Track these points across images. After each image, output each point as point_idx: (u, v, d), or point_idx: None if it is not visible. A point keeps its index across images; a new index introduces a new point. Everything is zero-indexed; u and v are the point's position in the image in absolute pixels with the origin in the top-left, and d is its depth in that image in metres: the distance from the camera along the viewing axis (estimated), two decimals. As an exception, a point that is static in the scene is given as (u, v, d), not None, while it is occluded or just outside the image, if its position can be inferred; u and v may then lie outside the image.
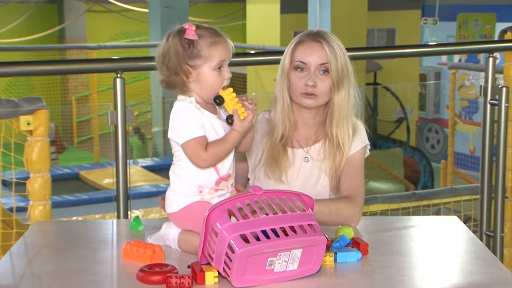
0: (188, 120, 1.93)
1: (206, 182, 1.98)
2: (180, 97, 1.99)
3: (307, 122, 2.36)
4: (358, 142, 2.33)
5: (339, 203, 2.22)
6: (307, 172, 2.33)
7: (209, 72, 1.95)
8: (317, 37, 2.28)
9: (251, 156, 2.38)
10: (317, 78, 2.26)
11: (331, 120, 2.31)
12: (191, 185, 1.97)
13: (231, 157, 2.02)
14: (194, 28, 1.95)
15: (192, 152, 1.92)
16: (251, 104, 1.96)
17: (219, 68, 1.96)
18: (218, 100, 1.96)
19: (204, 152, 1.91)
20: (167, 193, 2.03)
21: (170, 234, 1.99)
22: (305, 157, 2.34)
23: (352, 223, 2.21)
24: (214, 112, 1.99)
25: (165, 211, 2.04)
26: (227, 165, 2.00)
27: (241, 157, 2.37)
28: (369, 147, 2.38)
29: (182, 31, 1.95)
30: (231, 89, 1.97)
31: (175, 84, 1.97)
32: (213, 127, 1.96)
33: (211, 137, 1.95)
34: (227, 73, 1.97)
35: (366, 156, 2.37)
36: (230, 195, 2.02)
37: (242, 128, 1.95)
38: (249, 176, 2.40)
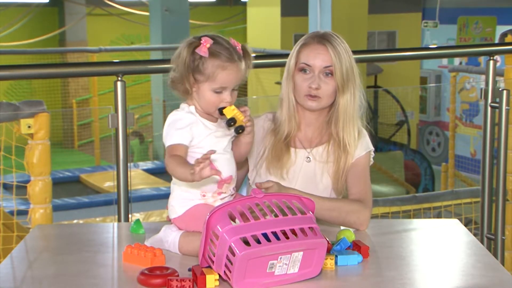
0: (173, 127, 1.96)
1: (209, 186, 1.98)
2: (181, 105, 2.02)
3: (310, 122, 2.36)
4: (363, 148, 2.33)
5: (350, 204, 2.22)
6: (309, 172, 2.33)
7: (207, 91, 1.98)
8: (322, 39, 2.27)
9: (252, 155, 2.38)
10: (321, 81, 2.26)
11: (336, 122, 2.31)
12: (194, 190, 1.98)
13: (231, 159, 2.04)
14: (208, 45, 1.95)
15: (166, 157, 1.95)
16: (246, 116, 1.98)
17: (219, 92, 1.97)
18: (221, 112, 1.98)
19: (168, 159, 1.92)
20: (169, 200, 2.03)
21: (169, 237, 1.98)
22: (307, 157, 2.34)
23: (361, 227, 2.20)
24: (214, 120, 2.02)
25: (169, 219, 2.04)
26: (226, 168, 2.00)
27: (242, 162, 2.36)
28: (373, 154, 2.38)
29: (196, 44, 1.96)
30: (232, 107, 1.97)
31: (179, 88, 2.01)
32: (214, 135, 1.99)
33: (211, 144, 1.97)
34: (227, 97, 1.98)
35: (370, 164, 2.36)
36: (232, 198, 2.03)
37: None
38: (249, 175, 2.39)
